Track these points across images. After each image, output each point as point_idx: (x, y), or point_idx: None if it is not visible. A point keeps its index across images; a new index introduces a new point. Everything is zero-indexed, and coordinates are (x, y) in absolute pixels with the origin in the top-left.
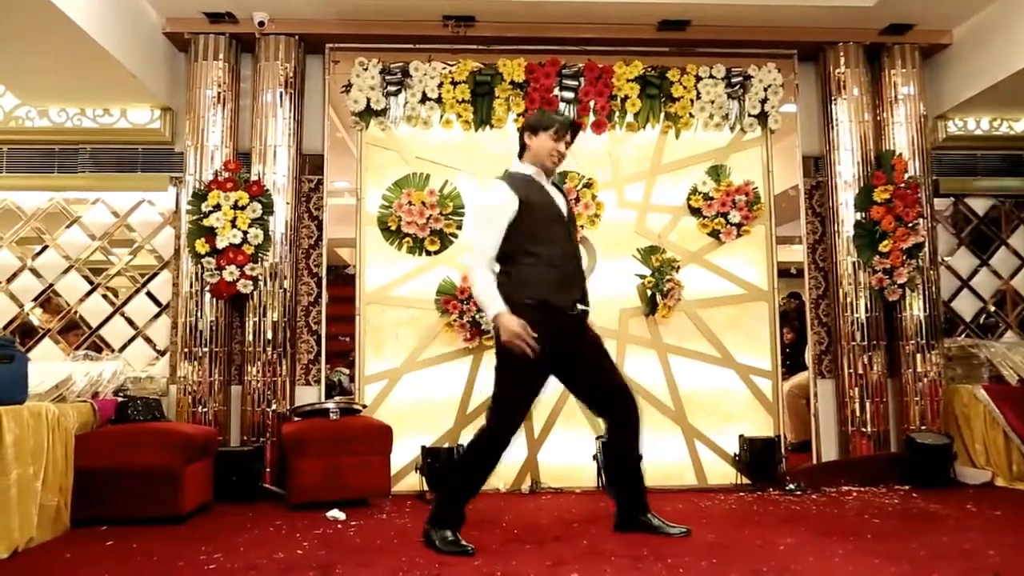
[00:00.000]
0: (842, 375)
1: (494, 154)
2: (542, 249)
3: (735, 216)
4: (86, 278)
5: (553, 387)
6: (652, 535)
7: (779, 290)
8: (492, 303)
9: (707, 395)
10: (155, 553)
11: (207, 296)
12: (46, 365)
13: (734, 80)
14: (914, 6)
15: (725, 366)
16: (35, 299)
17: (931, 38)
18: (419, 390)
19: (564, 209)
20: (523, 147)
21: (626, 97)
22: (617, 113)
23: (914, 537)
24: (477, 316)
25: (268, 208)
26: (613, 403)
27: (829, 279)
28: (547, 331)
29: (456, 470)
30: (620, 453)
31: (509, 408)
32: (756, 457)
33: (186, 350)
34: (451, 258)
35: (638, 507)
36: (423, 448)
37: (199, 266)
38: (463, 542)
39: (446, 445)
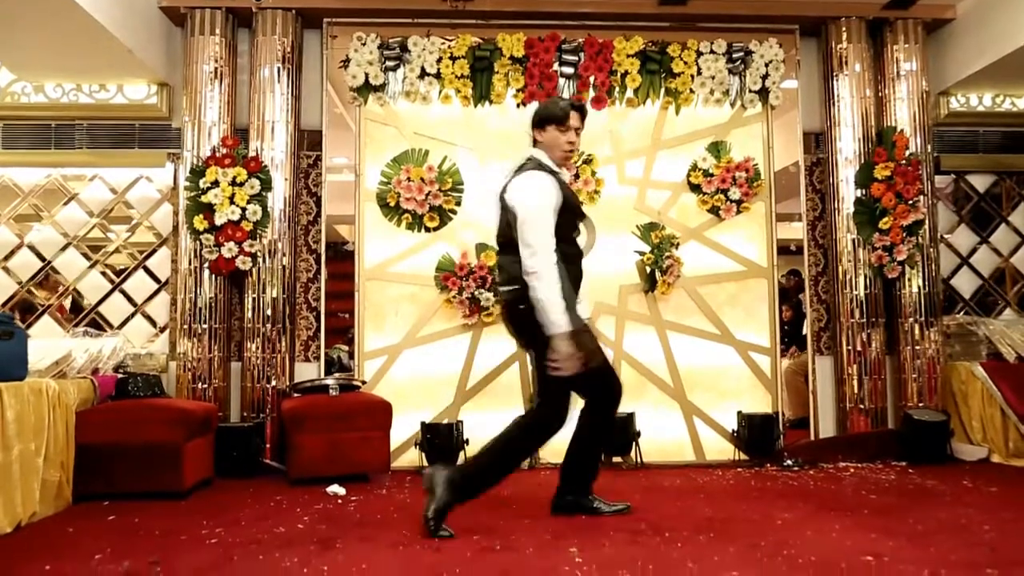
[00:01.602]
0: (841, 352)
1: (493, 130)
2: (566, 247)
3: (735, 193)
4: (84, 255)
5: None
6: (593, 516)
7: (779, 267)
8: (558, 320)
9: (706, 372)
10: (157, 528)
11: (206, 273)
12: (46, 342)
13: (735, 55)
14: None
15: (724, 343)
16: (33, 276)
17: (935, 13)
18: (418, 366)
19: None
20: (534, 140)
21: (626, 72)
22: (617, 89)
23: (911, 512)
24: (476, 292)
25: (266, 184)
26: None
27: (829, 256)
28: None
29: (501, 445)
30: (589, 436)
31: (559, 401)
32: (754, 433)
33: (185, 327)
34: (450, 234)
35: (581, 489)
36: (422, 424)
37: (198, 243)
38: (447, 528)
39: (445, 421)
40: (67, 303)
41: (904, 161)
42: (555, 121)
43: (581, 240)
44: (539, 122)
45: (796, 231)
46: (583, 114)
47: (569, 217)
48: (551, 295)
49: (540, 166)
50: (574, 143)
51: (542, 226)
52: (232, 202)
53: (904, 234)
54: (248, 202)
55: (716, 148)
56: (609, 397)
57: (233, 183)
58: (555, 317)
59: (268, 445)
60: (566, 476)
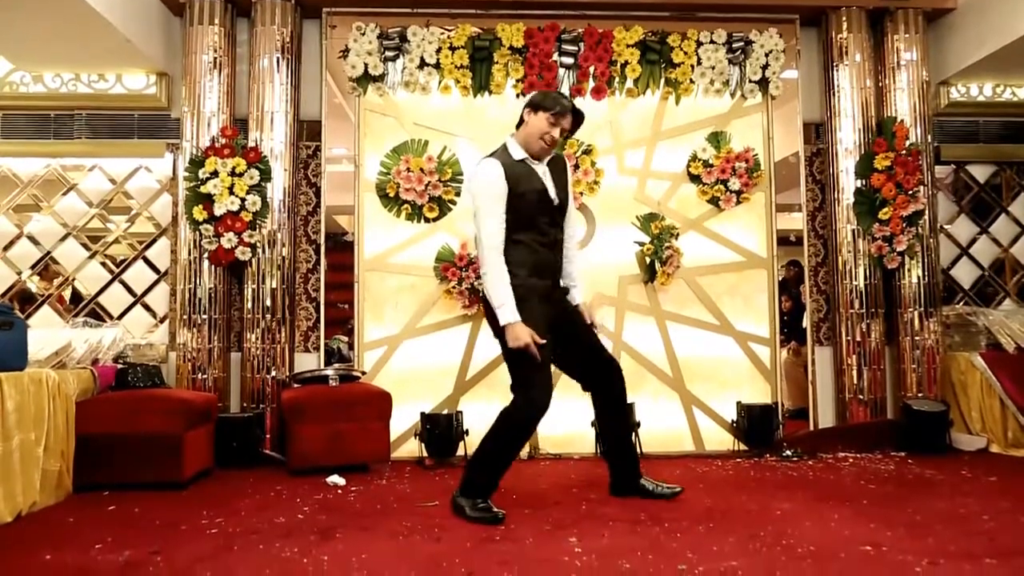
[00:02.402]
0: (840, 342)
1: (493, 120)
2: (524, 236)
3: (735, 183)
4: (84, 245)
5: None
6: (649, 500)
7: (778, 258)
8: (505, 308)
9: (705, 362)
10: (157, 517)
11: (205, 263)
12: (46, 332)
13: (735, 45)
14: None
15: (724, 333)
16: (33, 266)
17: (935, 2)
18: (418, 357)
19: (554, 194)
20: (521, 121)
21: (626, 63)
22: (617, 79)
23: (909, 502)
24: (476, 283)
25: (266, 175)
26: (600, 378)
27: (828, 247)
28: (532, 303)
29: (491, 440)
30: (612, 428)
31: (539, 382)
32: (754, 424)
33: (185, 317)
34: (450, 225)
35: (632, 475)
36: (422, 414)
37: (197, 233)
38: (494, 508)
39: (445, 411)
40: (67, 293)
41: (904, 151)
42: (549, 110)
43: (578, 228)
44: (534, 104)
45: (796, 221)
46: (579, 121)
47: (524, 205)
48: (492, 288)
49: (499, 153)
50: (555, 139)
51: (485, 218)
52: (231, 192)
53: (904, 224)
54: (247, 192)
55: (716, 138)
56: (524, 402)
57: (232, 173)
58: (499, 302)
59: (268, 435)
60: (612, 469)
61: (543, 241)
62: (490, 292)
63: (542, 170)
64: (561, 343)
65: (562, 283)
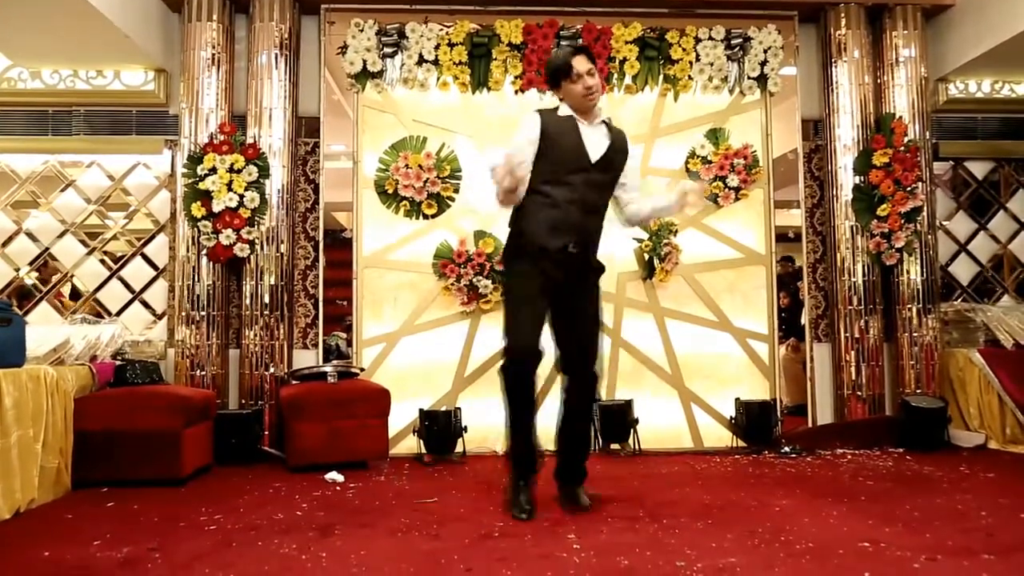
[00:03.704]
0: (839, 339)
1: (491, 117)
2: (553, 190)
3: (733, 180)
4: (82, 242)
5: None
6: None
7: (777, 254)
8: (496, 158)
9: (704, 359)
10: (156, 514)
11: (204, 260)
12: (44, 328)
13: (734, 42)
14: None
15: (722, 330)
16: (31, 263)
17: None
18: (417, 354)
19: (596, 156)
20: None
21: (624, 59)
22: (615, 75)
23: (908, 499)
24: (475, 280)
25: (264, 171)
26: (575, 365)
27: (827, 243)
28: (532, 260)
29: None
30: (570, 418)
31: (513, 329)
32: (752, 420)
33: (184, 314)
34: (448, 222)
35: (572, 475)
36: (421, 411)
37: (195, 230)
38: (524, 502)
39: (444, 408)
40: (65, 290)
41: (903, 148)
42: (563, 76)
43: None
44: (552, 83)
45: (794, 218)
46: (589, 55)
47: (558, 157)
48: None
49: (547, 109)
50: (591, 87)
51: (510, 149)
52: (230, 189)
53: (902, 221)
54: (246, 189)
55: (714, 135)
56: (506, 348)
57: (231, 170)
58: (492, 167)
59: (267, 432)
60: (559, 462)
61: (570, 198)
62: (492, 176)
63: (590, 129)
64: (559, 314)
65: (651, 206)
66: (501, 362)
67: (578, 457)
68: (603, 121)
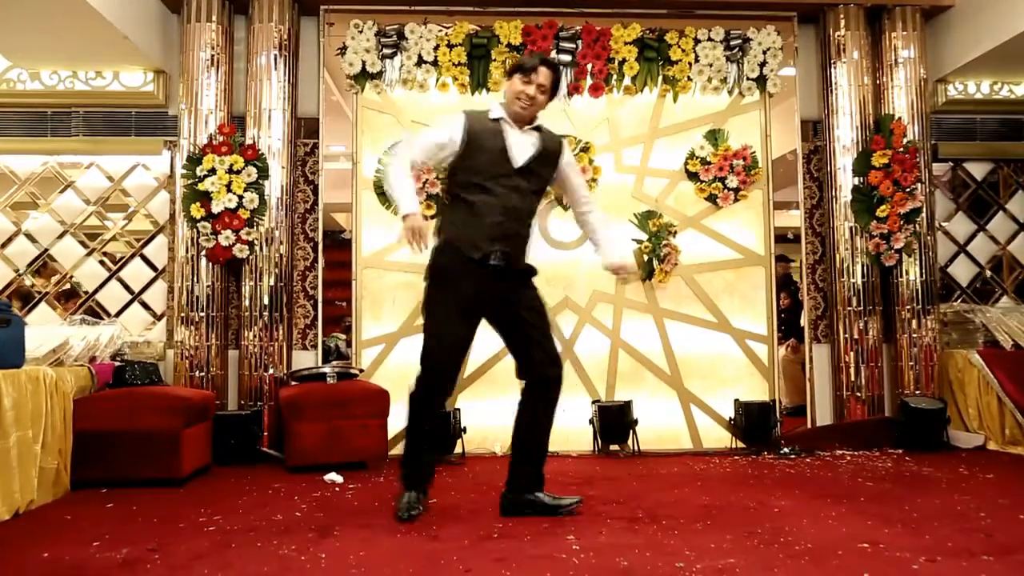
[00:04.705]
0: (838, 340)
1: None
2: (477, 197)
3: (732, 181)
4: (81, 243)
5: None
6: (550, 515)
7: (776, 256)
8: (403, 200)
9: (703, 360)
10: (155, 515)
11: (203, 261)
12: (43, 329)
13: (733, 43)
14: None
15: (721, 331)
16: (30, 264)
17: (933, 0)
18: (416, 354)
19: (521, 162)
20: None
21: (624, 60)
22: (615, 76)
23: (907, 499)
24: None
25: (263, 172)
26: (537, 367)
27: (826, 244)
28: (454, 277)
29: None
30: (526, 425)
31: (428, 363)
32: (751, 421)
33: (183, 315)
34: None
35: (531, 483)
36: None
37: (195, 231)
38: (411, 506)
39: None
40: (64, 290)
41: (902, 149)
42: (520, 70)
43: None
44: (508, 71)
45: (794, 219)
46: (555, 73)
47: (482, 163)
48: (396, 182)
49: (473, 112)
50: (532, 98)
51: (414, 141)
52: (229, 190)
53: (901, 222)
54: (245, 190)
55: (714, 136)
56: (423, 370)
57: (230, 171)
58: (398, 196)
59: (266, 433)
60: (511, 473)
61: (494, 204)
62: (389, 188)
63: (518, 135)
64: (502, 327)
65: (592, 244)
66: (412, 387)
67: (541, 463)
68: (536, 128)
